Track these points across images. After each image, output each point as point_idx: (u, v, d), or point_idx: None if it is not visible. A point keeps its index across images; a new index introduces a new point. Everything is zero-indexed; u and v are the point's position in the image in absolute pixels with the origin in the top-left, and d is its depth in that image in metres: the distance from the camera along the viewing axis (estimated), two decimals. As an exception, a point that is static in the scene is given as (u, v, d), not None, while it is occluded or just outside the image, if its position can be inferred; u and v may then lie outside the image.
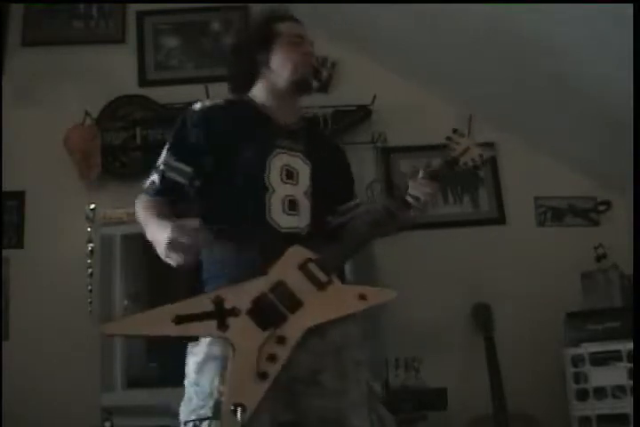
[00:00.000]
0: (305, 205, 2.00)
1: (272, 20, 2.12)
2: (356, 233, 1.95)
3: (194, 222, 1.80)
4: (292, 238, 1.93)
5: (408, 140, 3.90)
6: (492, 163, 4.01)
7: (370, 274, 3.32)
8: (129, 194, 3.52)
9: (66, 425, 3.38)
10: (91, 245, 3.49)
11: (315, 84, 4.23)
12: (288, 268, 1.89)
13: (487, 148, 2.08)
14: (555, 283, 3.74)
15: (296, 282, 1.88)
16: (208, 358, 1.88)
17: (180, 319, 1.82)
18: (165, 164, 2.01)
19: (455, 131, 2.08)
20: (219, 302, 1.84)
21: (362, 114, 3.94)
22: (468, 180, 4.01)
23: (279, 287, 1.87)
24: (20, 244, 3.82)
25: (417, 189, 1.98)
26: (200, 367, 1.89)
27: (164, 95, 3.92)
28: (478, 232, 3.92)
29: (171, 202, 2.01)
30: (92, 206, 3.51)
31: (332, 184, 2.08)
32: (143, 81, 4.06)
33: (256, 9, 3.87)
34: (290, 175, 2.01)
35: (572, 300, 3.62)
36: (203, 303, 1.84)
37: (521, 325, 3.68)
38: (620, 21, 2.81)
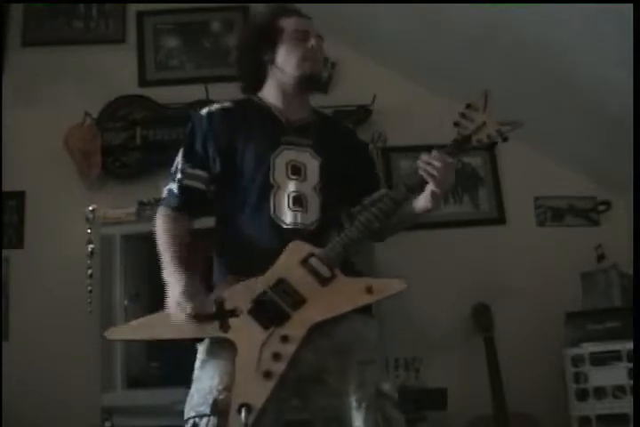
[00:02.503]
0: (314, 200, 1.98)
1: (276, 16, 2.10)
2: (358, 224, 1.90)
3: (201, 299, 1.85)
4: (296, 235, 1.92)
5: (408, 140, 3.89)
6: (492, 163, 4.02)
7: (369, 274, 3.31)
8: (129, 194, 3.61)
9: (66, 425, 3.39)
10: (91, 246, 3.49)
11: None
12: (289, 264, 1.88)
13: (509, 123, 1.94)
14: (555, 283, 3.74)
15: (298, 278, 1.86)
16: (210, 356, 1.90)
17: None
18: (182, 172, 2.02)
19: (469, 106, 1.93)
20: (219, 303, 1.85)
21: (362, 114, 3.93)
22: (468, 180, 4.01)
23: (281, 285, 1.86)
24: (20, 244, 3.81)
25: (427, 162, 1.88)
26: (202, 365, 1.91)
27: (164, 95, 3.91)
28: (478, 232, 3.92)
29: (190, 213, 2.03)
30: (92, 208, 3.50)
31: (347, 177, 2.05)
32: (143, 81, 4.06)
33: (256, 9, 3.86)
34: (296, 171, 2.00)
35: (572, 300, 3.62)
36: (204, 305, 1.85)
37: (521, 325, 3.68)
38: (619, 21, 2.81)
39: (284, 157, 2.00)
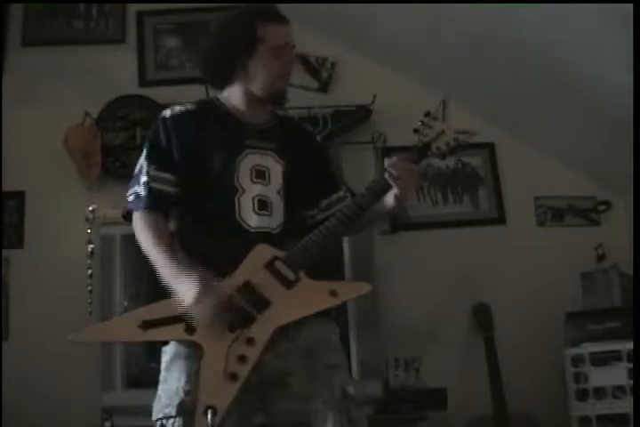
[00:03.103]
0: (278, 204, 1.99)
1: (256, 20, 2.02)
2: (322, 228, 1.90)
3: (217, 288, 1.81)
4: (262, 238, 1.92)
5: (408, 140, 3.87)
6: (492, 163, 4.02)
7: (369, 274, 3.32)
8: (129, 194, 3.60)
9: (66, 425, 3.39)
10: (91, 246, 3.49)
11: (314, 83, 4.27)
12: (254, 267, 1.88)
13: (466, 132, 1.98)
14: (555, 283, 3.74)
15: (263, 282, 1.86)
16: (175, 357, 1.90)
17: (147, 325, 1.84)
18: (148, 174, 1.98)
19: (428, 114, 1.96)
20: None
21: (362, 114, 3.93)
22: (468, 180, 4.01)
23: (246, 288, 1.86)
24: (20, 244, 3.81)
25: (391, 168, 1.91)
26: (168, 366, 1.91)
27: (164, 95, 3.91)
28: (478, 232, 3.92)
29: (163, 214, 1.98)
30: (92, 208, 3.51)
31: (308, 181, 2.06)
32: (143, 81, 4.06)
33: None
34: (260, 175, 2.00)
35: (572, 300, 3.62)
36: (170, 307, 1.85)
37: (521, 325, 3.68)
38: (619, 21, 2.81)
39: (248, 162, 1.99)
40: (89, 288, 3.47)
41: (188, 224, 2.00)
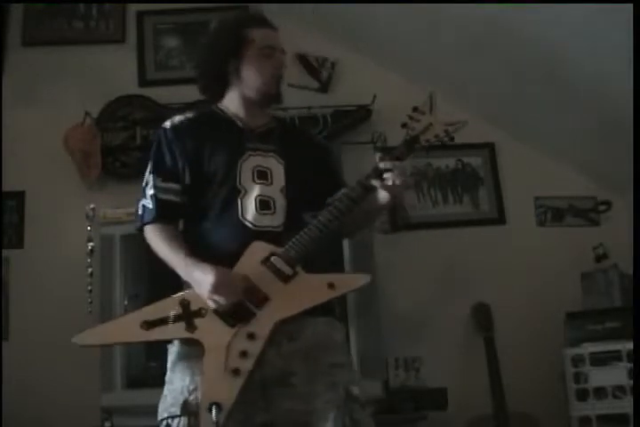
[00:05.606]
0: (281, 203, 2.01)
1: (243, 25, 2.08)
2: (316, 222, 1.92)
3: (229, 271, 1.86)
4: (265, 236, 1.93)
5: (408, 140, 3.89)
6: (492, 163, 4.02)
7: (369, 274, 3.32)
8: (129, 194, 3.55)
9: (66, 425, 3.39)
10: (90, 244, 3.49)
11: (314, 83, 4.27)
12: (251, 264, 1.90)
13: (455, 123, 2.01)
14: (555, 283, 3.74)
15: (260, 277, 1.88)
16: (179, 357, 1.92)
17: (148, 325, 1.86)
18: (155, 187, 2.02)
19: (416, 109, 2.02)
20: (185, 305, 1.88)
21: (362, 114, 3.93)
22: (468, 180, 4.01)
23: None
24: (20, 244, 3.81)
25: (379, 169, 1.95)
26: (173, 366, 1.93)
27: (164, 95, 3.91)
28: (478, 232, 3.92)
29: (173, 224, 2.03)
30: (92, 206, 3.51)
31: (310, 180, 2.08)
32: (143, 81, 4.06)
33: (256, 9, 3.85)
34: (262, 175, 2.02)
35: (572, 300, 3.62)
36: (170, 307, 1.88)
37: (521, 325, 3.68)
38: (619, 21, 2.81)
39: (250, 163, 2.02)
40: (89, 287, 3.47)
41: (194, 226, 2.03)
